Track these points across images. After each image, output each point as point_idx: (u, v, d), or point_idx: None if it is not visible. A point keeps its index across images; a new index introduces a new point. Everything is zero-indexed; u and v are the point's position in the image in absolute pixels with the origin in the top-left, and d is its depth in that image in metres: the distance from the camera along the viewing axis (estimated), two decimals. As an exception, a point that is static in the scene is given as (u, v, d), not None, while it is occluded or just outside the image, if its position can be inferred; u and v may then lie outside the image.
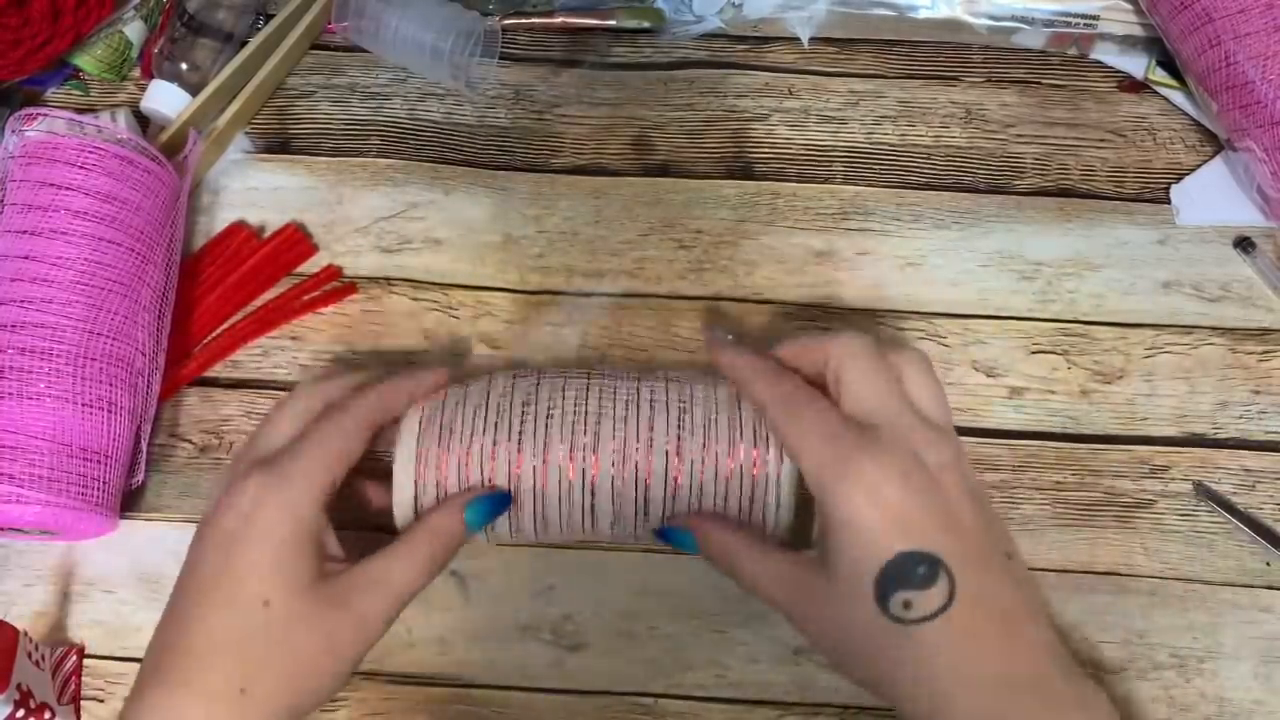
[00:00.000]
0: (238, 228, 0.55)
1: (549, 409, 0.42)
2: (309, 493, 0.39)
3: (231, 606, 0.38)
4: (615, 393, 0.43)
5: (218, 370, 0.53)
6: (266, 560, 0.38)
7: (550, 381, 0.44)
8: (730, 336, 0.48)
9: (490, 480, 0.42)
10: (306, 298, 0.54)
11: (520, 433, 0.42)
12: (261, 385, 0.53)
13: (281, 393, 0.52)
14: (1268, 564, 0.49)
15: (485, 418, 0.43)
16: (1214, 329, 0.53)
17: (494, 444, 0.42)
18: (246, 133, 0.58)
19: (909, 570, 0.37)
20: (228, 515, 0.39)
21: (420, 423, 0.43)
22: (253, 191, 0.57)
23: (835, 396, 0.40)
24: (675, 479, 0.42)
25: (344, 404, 0.42)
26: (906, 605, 0.37)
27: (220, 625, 0.37)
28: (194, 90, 0.57)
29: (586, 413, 0.42)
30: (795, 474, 0.41)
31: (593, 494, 0.42)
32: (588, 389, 0.43)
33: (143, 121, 0.57)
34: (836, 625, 0.38)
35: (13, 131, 0.50)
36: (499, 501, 0.42)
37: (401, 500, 0.42)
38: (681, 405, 0.43)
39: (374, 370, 0.48)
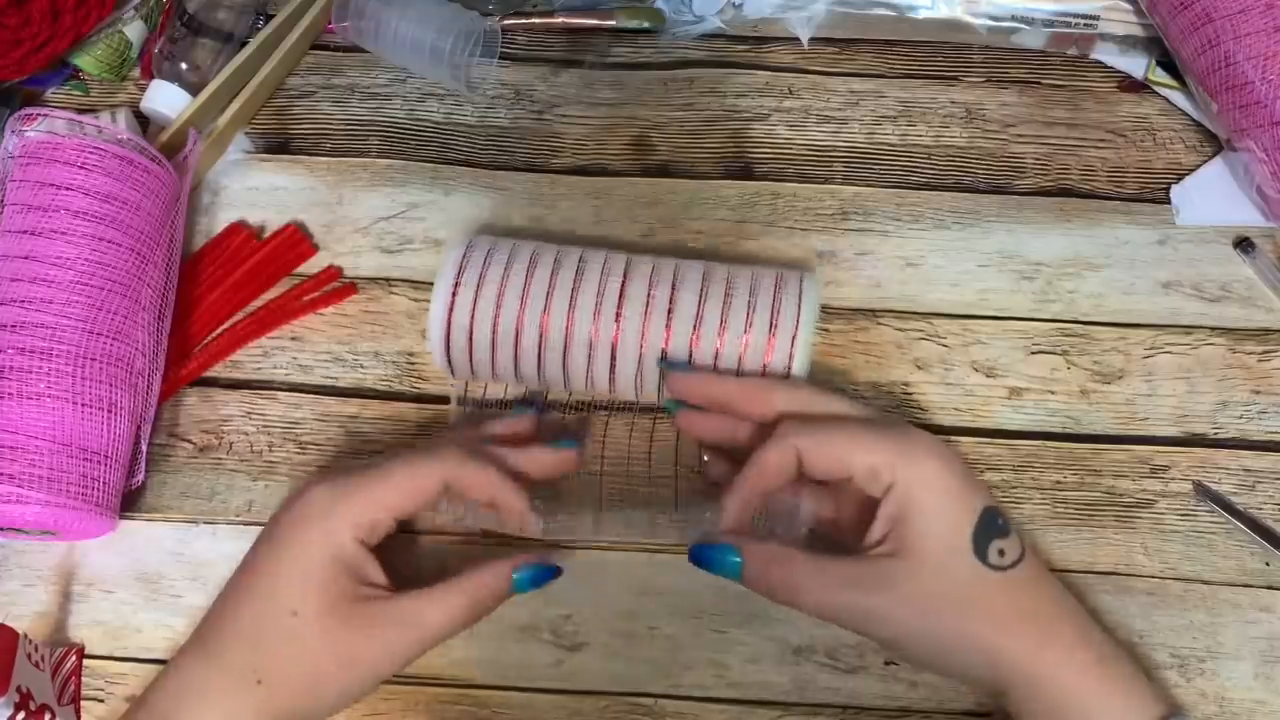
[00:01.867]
0: (237, 228, 0.55)
1: (584, 271, 0.47)
2: (352, 528, 0.41)
3: (264, 606, 0.40)
4: (647, 266, 0.47)
5: (218, 370, 0.53)
6: (301, 573, 0.40)
7: (590, 252, 0.48)
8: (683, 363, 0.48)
9: (519, 327, 0.46)
10: (306, 298, 0.54)
11: (552, 288, 0.46)
12: (261, 386, 0.53)
13: (282, 393, 0.52)
14: (1268, 564, 0.49)
15: (523, 268, 0.47)
16: (1214, 329, 0.53)
17: (527, 294, 0.46)
18: (246, 133, 0.58)
19: (993, 522, 0.41)
20: (288, 513, 0.42)
21: (463, 257, 0.47)
22: (253, 191, 0.57)
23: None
24: (692, 347, 0.46)
25: (443, 452, 0.43)
26: (1001, 553, 0.41)
27: (250, 619, 0.41)
28: (194, 90, 0.57)
29: (622, 281, 0.47)
30: (807, 367, 0.46)
31: (612, 354, 0.46)
32: (626, 262, 0.48)
33: (143, 121, 0.57)
34: (935, 593, 0.40)
35: (13, 131, 0.50)
36: (548, 572, 0.44)
37: (434, 329, 0.47)
38: (705, 284, 0.47)
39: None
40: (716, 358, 0.46)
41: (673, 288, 0.47)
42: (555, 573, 0.44)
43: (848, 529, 0.44)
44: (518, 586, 0.43)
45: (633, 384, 0.47)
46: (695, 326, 0.46)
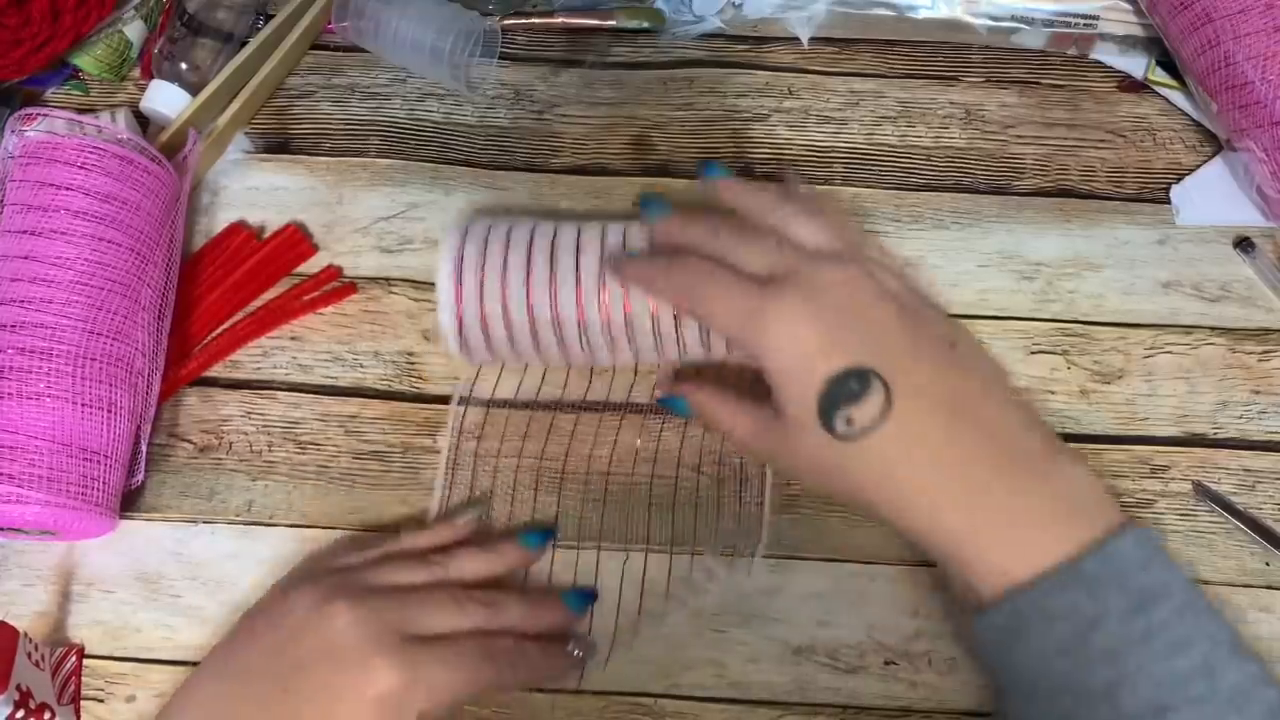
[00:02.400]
0: (237, 228, 0.55)
1: (583, 246, 0.47)
2: (422, 707, 0.40)
3: None
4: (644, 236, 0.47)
5: (218, 370, 0.53)
6: None
7: (588, 224, 0.48)
8: (638, 250, 0.47)
9: (531, 306, 0.46)
10: (306, 298, 0.54)
11: (555, 266, 0.46)
12: (261, 386, 0.53)
13: (281, 393, 0.52)
14: (1268, 564, 0.49)
15: (524, 249, 0.47)
16: (1214, 329, 0.53)
17: (529, 274, 0.46)
18: (246, 133, 0.58)
19: (841, 388, 0.39)
20: (351, 675, 0.39)
21: (462, 240, 0.47)
22: (253, 191, 0.57)
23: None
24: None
25: (501, 664, 0.42)
26: (849, 422, 0.39)
27: None
28: (194, 90, 0.57)
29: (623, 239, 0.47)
30: None
31: (627, 325, 0.46)
32: (624, 232, 0.48)
33: (143, 121, 0.57)
34: (800, 457, 0.42)
35: (13, 131, 0.50)
36: None
37: (444, 318, 0.47)
38: None
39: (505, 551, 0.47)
40: None
41: None
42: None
43: None
44: None
45: (652, 345, 0.47)
46: None
